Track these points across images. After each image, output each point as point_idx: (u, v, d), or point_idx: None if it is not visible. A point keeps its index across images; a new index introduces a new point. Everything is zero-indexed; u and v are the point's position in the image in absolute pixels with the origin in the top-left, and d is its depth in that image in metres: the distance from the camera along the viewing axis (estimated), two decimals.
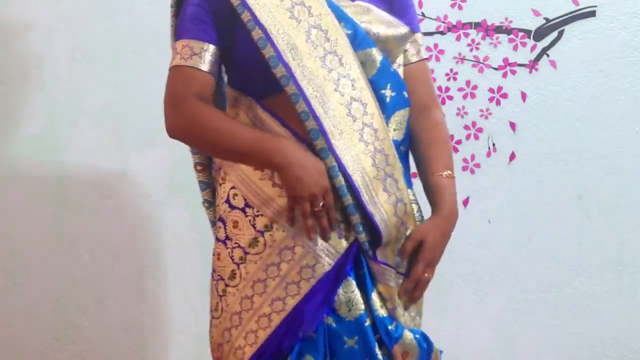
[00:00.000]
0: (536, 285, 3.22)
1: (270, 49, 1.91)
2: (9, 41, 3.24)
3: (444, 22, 3.20)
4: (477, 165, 3.22)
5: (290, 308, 1.95)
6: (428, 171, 2.11)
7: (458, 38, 3.20)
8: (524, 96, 3.20)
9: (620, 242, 3.18)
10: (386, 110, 2.03)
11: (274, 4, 1.94)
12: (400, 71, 2.11)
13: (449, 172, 2.10)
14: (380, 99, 2.01)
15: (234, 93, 2.04)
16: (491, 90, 3.20)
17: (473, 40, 3.20)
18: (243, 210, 1.98)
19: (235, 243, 1.98)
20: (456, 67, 3.21)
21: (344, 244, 1.97)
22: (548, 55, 3.19)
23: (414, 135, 2.13)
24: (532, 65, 3.19)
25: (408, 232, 2.04)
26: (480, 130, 3.21)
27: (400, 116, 2.07)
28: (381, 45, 2.03)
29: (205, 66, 1.98)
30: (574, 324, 3.21)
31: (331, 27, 1.96)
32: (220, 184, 2.05)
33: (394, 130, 2.05)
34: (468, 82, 3.21)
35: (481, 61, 3.21)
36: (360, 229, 1.96)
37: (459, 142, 3.21)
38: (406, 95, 2.09)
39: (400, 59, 2.12)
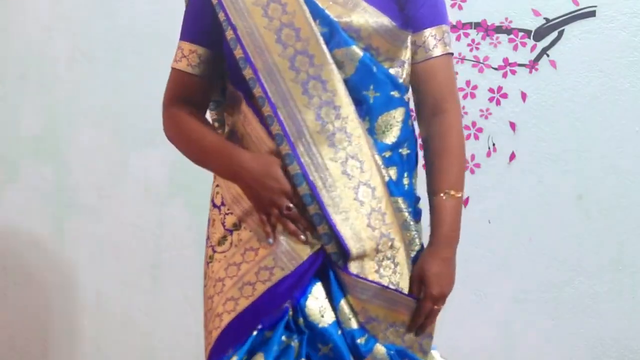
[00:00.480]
0: (536, 285, 3.22)
1: (239, 50, 1.87)
2: (9, 41, 3.24)
3: None
4: (477, 165, 3.22)
5: (240, 309, 1.89)
6: (430, 189, 1.98)
7: (458, 38, 3.20)
8: (524, 96, 3.20)
9: (620, 242, 3.18)
10: (370, 112, 1.91)
11: (250, 1, 1.88)
12: (398, 70, 1.96)
13: (454, 191, 1.97)
14: (362, 100, 1.90)
15: (230, 87, 2.02)
16: (491, 90, 3.21)
17: (473, 40, 3.20)
18: (219, 208, 1.97)
19: (210, 242, 1.97)
20: (456, 67, 3.20)
21: (308, 250, 1.87)
22: (548, 55, 3.19)
23: (425, 143, 2.01)
24: (532, 65, 3.19)
25: (397, 244, 1.91)
26: (480, 130, 3.21)
27: (389, 117, 1.94)
28: (365, 43, 1.90)
29: (193, 68, 1.98)
30: (574, 324, 3.21)
31: (304, 25, 1.86)
32: (213, 182, 2.05)
33: (382, 132, 1.93)
34: (468, 82, 3.21)
35: (481, 61, 3.21)
36: (327, 239, 1.86)
37: None
38: (397, 95, 1.95)
39: (404, 56, 1.97)
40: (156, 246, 3.21)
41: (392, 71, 1.95)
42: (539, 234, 3.21)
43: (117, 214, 3.19)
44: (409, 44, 1.98)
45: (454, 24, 3.20)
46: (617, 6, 3.17)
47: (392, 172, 1.93)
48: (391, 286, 1.90)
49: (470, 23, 3.20)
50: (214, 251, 1.95)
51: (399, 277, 1.92)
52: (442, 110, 1.99)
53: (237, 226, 1.92)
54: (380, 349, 1.91)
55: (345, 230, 1.85)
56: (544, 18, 3.18)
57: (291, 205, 1.83)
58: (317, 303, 1.88)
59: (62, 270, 3.20)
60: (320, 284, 1.89)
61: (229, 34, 1.88)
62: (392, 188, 1.91)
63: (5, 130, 3.19)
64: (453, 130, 1.99)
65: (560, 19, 3.18)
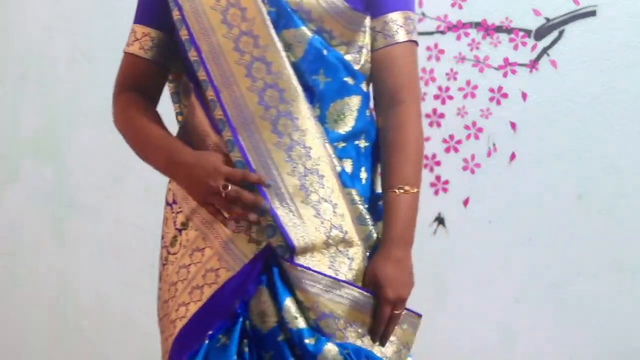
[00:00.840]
0: (536, 285, 3.22)
1: (184, 30, 1.78)
2: (9, 41, 3.24)
3: (444, 22, 3.20)
4: (477, 165, 3.22)
5: (190, 315, 1.77)
6: (383, 185, 1.83)
7: (458, 38, 3.20)
8: (524, 96, 3.20)
9: (620, 242, 3.18)
10: (321, 98, 1.78)
11: None
12: (356, 56, 1.83)
13: (408, 187, 1.79)
14: (312, 85, 1.77)
15: (184, 78, 1.92)
16: (491, 90, 3.20)
17: (473, 40, 3.20)
18: (171, 206, 1.87)
19: (164, 242, 1.88)
20: (456, 67, 3.21)
21: (254, 248, 1.74)
22: (548, 55, 3.19)
23: (381, 137, 1.86)
24: (533, 65, 3.19)
25: (350, 238, 1.77)
26: (480, 130, 3.21)
27: (342, 105, 1.81)
28: (317, 25, 1.79)
29: (146, 52, 1.88)
30: (574, 324, 3.21)
31: (250, 4, 1.75)
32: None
33: (335, 121, 1.80)
34: (468, 82, 3.20)
35: (481, 61, 3.20)
36: (271, 232, 1.73)
37: (459, 142, 3.21)
38: (352, 82, 1.82)
39: (362, 41, 1.84)
40: (156, 246, 3.20)
41: (348, 57, 1.82)
42: (539, 234, 3.20)
43: (117, 214, 3.19)
44: (367, 28, 1.85)
45: (454, 23, 3.20)
46: (618, 6, 3.17)
47: (347, 164, 1.81)
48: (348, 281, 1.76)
49: (471, 23, 3.20)
50: (168, 252, 1.85)
51: (354, 273, 1.77)
52: (398, 101, 1.84)
53: (185, 225, 1.82)
54: (331, 348, 1.73)
55: (287, 221, 1.73)
56: (545, 18, 3.18)
57: (228, 184, 1.69)
58: (260, 306, 1.75)
59: (62, 270, 3.20)
60: (265, 283, 1.75)
61: (175, 14, 1.79)
62: (346, 179, 1.79)
63: (5, 130, 3.19)
64: (410, 122, 1.83)
65: (561, 18, 3.18)
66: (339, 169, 1.78)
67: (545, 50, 3.19)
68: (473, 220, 3.21)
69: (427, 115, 3.22)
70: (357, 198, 1.80)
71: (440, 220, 3.24)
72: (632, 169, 3.17)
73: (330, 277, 1.74)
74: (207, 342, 1.75)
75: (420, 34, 3.23)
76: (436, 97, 3.23)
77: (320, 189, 1.75)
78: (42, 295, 3.21)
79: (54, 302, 3.21)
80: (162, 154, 1.80)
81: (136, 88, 1.89)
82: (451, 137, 3.21)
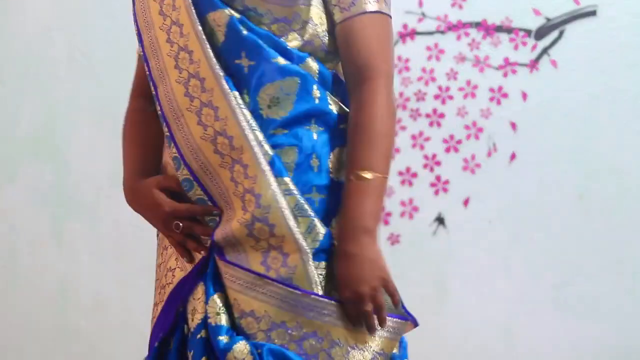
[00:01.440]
0: (536, 285, 3.22)
1: (135, 27, 1.73)
2: (9, 41, 3.24)
3: (444, 22, 3.20)
4: (478, 165, 3.22)
5: (156, 315, 1.76)
6: (345, 172, 1.68)
7: (458, 37, 3.20)
8: (524, 96, 3.20)
9: (620, 242, 3.18)
10: (248, 83, 1.65)
11: None
12: (296, 34, 1.69)
13: (365, 172, 1.63)
14: (235, 70, 1.65)
15: None
16: (492, 89, 3.20)
17: (473, 40, 3.20)
18: None
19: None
20: (456, 67, 3.21)
21: (203, 250, 1.68)
22: (549, 55, 3.19)
23: (348, 121, 1.70)
24: (533, 64, 3.19)
25: (280, 232, 1.61)
26: (480, 130, 3.21)
27: (275, 89, 1.66)
28: (241, 4, 1.67)
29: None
30: (574, 324, 3.21)
31: None
32: None
33: (268, 107, 1.65)
34: (468, 82, 3.20)
35: (481, 61, 3.20)
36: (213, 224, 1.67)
37: (459, 142, 3.21)
38: (285, 63, 1.66)
39: (305, 16, 1.69)
40: (156, 246, 3.21)
41: (282, 36, 1.68)
42: (539, 234, 3.20)
43: (116, 214, 3.18)
44: (310, 1, 1.69)
45: (455, 23, 3.20)
46: (618, 6, 3.17)
47: (289, 152, 1.66)
48: (277, 278, 1.61)
49: (471, 22, 3.20)
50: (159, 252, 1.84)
51: (290, 270, 1.61)
52: (364, 79, 1.67)
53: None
54: (243, 346, 1.60)
55: (224, 216, 1.65)
56: (545, 17, 3.18)
57: (180, 223, 1.66)
58: (192, 304, 1.66)
59: (61, 270, 3.20)
60: (204, 279, 1.66)
61: (132, 9, 1.75)
62: (280, 168, 1.63)
63: (5, 130, 3.19)
64: (376, 100, 1.66)
65: (561, 18, 3.18)
66: (268, 157, 1.63)
67: (545, 50, 3.18)
68: (473, 220, 3.21)
69: (427, 115, 3.22)
70: (292, 187, 1.63)
71: (440, 220, 3.23)
72: (632, 169, 3.17)
73: (255, 273, 1.61)
74: (156, 345, 1.74)
75: (420, 34, 3.23)
76: (436, 97, 3.23)
77: (245, 179, 1.62)
78: (41, 295, 3.20)
79: (54, 302, 3.21)
80: (126, 182, 1.80)
81: (144, 94, 1.79)
82: (451, 137, 3.20)
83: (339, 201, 1.67)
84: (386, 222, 3.22)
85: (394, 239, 3.23)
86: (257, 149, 1.62)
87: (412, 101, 3.24)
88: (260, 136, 1.63)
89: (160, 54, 1.69)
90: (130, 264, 3.23)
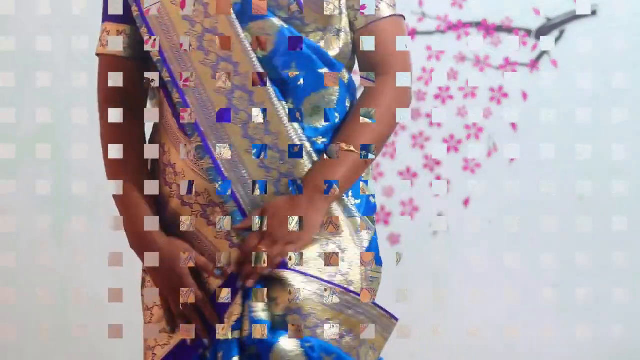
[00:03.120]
0: (536, 285, 3.22)
1: (144, 28, 1.65)
2: (8, 41, 3.24)
3: (444, 22, 3.20)
4: (478, 165, 3.22)
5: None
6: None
7: (459, 37, 3.20)
8: (524, 96, 3.20)
9: (620, 242, 3.18)
10: (294, 93, 1.65)
11: None
12: (332, 42, 1.69)
13: (345, 145, 1.64)
14: (283, 81, 1.65)
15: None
16: (492, 89, 3.20)
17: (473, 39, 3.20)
18: None
19: None
20: (457, 67, 3.20)
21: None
22: (549, 55, 3.18)
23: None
24: (533, 64, 3.19)
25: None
26: (480, 130, 3.21)
27: (318, 98, 1.67)
28: (287, 13, 1.65)
29: (125, 50, 1.70)
30: (574, 324, 3.21)
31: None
32: None
33: (310, 116, 1.66)
34: (468, 82, 3.20)
35: (482, 61, 3.20)
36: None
37: (459, 142, 3.21)
38: (326, 73, 1.68)
39: (339, 24, 1.70)
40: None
41: (322, 44, 1.68)
42: (539, 234, 3.20)
43: (117, 213, 3.18)
44: (342, 8, 1.69)
45: (455, 23, 3.20)
46: (618, 6, 3.16)
47: None
48: (325, 277, 1.63)
49: (471, 22, 3.20)
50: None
51: (336, 269, 1.64)
52: (377, 75, 1.70)
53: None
54: (290, 341, 1.61)
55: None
56: (545, 17, 3.17)
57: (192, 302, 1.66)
58: (230, 309, 1.67)
59: (61, 270, 3.19)
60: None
61: (134, 10, 1.67)
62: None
63: (5, 130, 3.19)
64: (382, 91, 1.69)
65: (561, 18, 3.18)
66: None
67: (545, 50, 3.18)
68: (473, 220, 3.21)
69: (428, 115, 3.22)
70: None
71: (440, 221, 3.23)
72: (633, 169, 3.17)
73: (300, 272, 1.62)
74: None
75: (420, 33, 3.22)
76: (436, 97, 3.23)
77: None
78: (42, 295, 3.20)
79: (54, 302, 3.20)
80: (128, 215, 1.82)
81: (122, 101, 1.72)
82: (451, 137, 3.20)
83: (369, 207, 1.72)
84: (386, 222, 3.22)
85: (394, 239, 3.23)
86: (308, 161, 1.64)
87: (412, 101, 3.24)
88: (309, 146, 1.65)
89: (188, 60, 1.63)
90: (130, 264, 3.22)
